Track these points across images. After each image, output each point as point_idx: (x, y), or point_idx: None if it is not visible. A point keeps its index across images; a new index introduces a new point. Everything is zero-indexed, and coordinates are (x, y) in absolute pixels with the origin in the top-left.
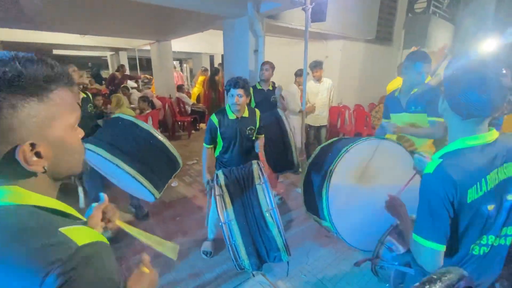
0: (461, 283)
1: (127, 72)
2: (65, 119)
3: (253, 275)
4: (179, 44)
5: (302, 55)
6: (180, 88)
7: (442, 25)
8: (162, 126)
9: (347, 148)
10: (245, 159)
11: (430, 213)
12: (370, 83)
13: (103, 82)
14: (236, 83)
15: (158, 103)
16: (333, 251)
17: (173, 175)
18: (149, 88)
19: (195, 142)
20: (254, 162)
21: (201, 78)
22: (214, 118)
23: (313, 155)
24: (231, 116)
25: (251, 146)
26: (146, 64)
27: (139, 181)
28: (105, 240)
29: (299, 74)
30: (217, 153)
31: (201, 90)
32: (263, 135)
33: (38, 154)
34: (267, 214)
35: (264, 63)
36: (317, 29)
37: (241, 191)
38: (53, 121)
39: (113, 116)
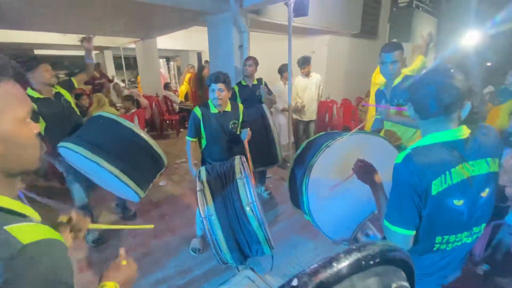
0: (395, 253)
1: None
2: (12, 112)
3: (238, 270)
4: (165, 42)
5: (287, 50)
6: (167, 86)
7: (426, 19)
8: (150, 125)
9: (327, 143)
10: (229, 153)
11: (399, 201)
12: (357, 77)
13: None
14: (217, 77)
15: (144, 102)
16: (321, 244)
17: (158, 174)
18: (136, 87)
19: (184, 141)
20: (237, 157)
21: (188, 76)
22: (197, 111)
23: (299, 150)
24: (214, 110)
25: (235, 140)
26: (132, 63)
27: (122, 180)
28: (57, 237)
29: (285, 70)
30: (202, 148)
31: (189, 88)
32: (248, 129)
33: None
34: (248, 208)
35: (247, 59)
36: (301, 24)
37: (222, 186)
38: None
39: (94, 114)
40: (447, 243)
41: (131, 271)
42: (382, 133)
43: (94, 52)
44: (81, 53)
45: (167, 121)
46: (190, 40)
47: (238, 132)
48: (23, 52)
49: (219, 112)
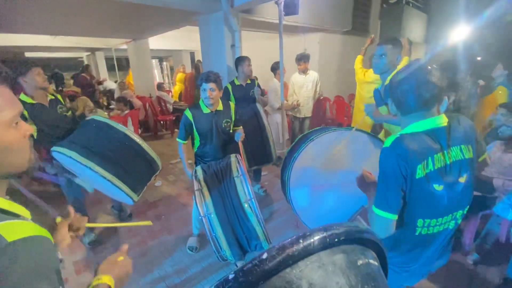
0: (362, 234)
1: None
2: None
3: (237, 266)
4: (158, 42)
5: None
6: (160, 86)
7: (416, 15)
8: (144, 126)
9: (312, 138)
10: (223, 152)
11: (385, 185)
12: (349, 74)
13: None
14: (208, 77)
15: (137, 103)
16: None
17: (152, 177)
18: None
19: None
20: (232, 155)
21: (179, 76)
22: (188, 113)
23: (291, 146)
24: (206, 110)
25: (229, 139)
26: (125, 64)
27: (115, 185)
28: (44, 234)
29: (278, 68)
30: (195, 149)
31: (182, 87)
32: (241, 127)
33: None
34: (246, 205)
35: (246, 59)
36: (293, 22)
37: (220, 184)
38: None
39: (87, 118)
40: (428, 227)
41: (126, 267)
42: (382, 133)
43: (85, 54)
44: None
45: (161, 122)
46: (183, 40)
47: (231, 131)
48: (14, 55)
49: (211, 111)
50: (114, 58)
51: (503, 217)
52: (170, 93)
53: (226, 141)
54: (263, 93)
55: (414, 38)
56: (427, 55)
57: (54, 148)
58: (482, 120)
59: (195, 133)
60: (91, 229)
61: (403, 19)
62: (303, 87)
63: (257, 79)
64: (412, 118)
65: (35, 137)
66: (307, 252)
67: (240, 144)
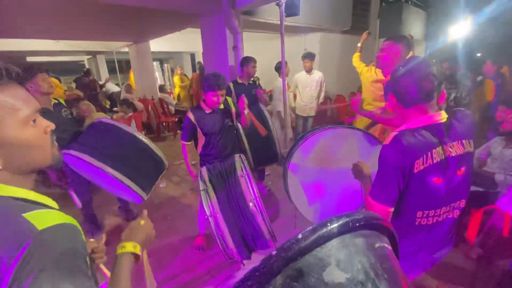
0: (377, 221)
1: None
2: (9, 118)
3: (243, 264)
4: (158, 44)
5: (280, 49)
6: (162, 88)
7: (415, 12)
8: (147, 128)
9: (306, 135)
10: (228, 151)
11: (383, 179)
12: (349, 73)
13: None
14: (221, 85)
15: (140, 105)
16: None
17: (160, 177)
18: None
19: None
20: (236, 155)
21: (177, 78)
22: (190, 116)
23: (295, 142)
24: (208, 110)
25: (231, 138)
26: (126, 67)
27: (126, 184)
28: (73, 222)
29: (279, 67)
30: (199, 149)
31: (180, 90)
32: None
33: None
34: (251, 204)
35: (251, 60)
36: (293, 23)
37: (225, 184)
38: None
39: (94, 120)
40: (427, 217)
41: (149, 231)
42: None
43: (86, 57)
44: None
45: (164, 124)
46: (183, 42)
47: (235, 129)
48: (16, 60)
49: (213, 110)
50: (116, 61)
51: (506, 211)
52: (172, 95)
53: (231, 139)
54: (270, 96)
55: (414, 36)
56: (427, 52)
57: (64, 150)
58: (474, 110)
59: (199, 134)
60: (101, 230)
61: (402, 17)
62: (307, 86)
63: (258, 80)
64: (414, 110)
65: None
66: (333, 234)
67: (246, 141)
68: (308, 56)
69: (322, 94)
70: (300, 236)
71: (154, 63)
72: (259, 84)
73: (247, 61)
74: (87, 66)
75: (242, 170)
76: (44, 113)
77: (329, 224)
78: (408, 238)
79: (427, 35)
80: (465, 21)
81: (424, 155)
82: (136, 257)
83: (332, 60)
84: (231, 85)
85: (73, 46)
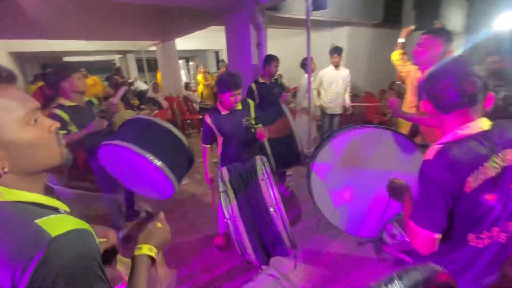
0: (437, 279)
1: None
2: (7, 118)
3: (261, 270)
4: (184, 43)
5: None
6: (187, 86)
7: (456, 2)
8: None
9: (334, 134)
10: (248, 153)
11: (428, 202)
12: (380, 69)
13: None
14: (237, 84)
15: (165, 103)
16: (345, 243)
17: (189, 170)
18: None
19: None
20: (258, 157)
21: (200, 76)
22: (207, 119)
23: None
24: (224, 111)
25: (251, 138)
26: (154, 65)
27: (167, 175)
28: (86, 227)
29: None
30: (219, 150)
31: (203, 88)
32: (261, 125)
33: None
34: (272, 209)
35: (273, 59)
36: (320, 17)
37: (245, 187)
38: None
39: (131, 117)
40: (479, 239)
41: (165, 234)
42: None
43: (118, 56)
44: (104, 57)
45: (188, 121)
46: (208, 40)
47: (253, 129)
48: (54, 59)
49: (230, 112)
50: (144, 60)
51: None
52: (196, 92)
53: (248, 141)
54: (294, 93)
55: (454, 28)
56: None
57: (106, 142)
58: None
59: (218, 135)
60: (124, 226)
61: (441, 8)
62: (333, 82)
63: (281, 77)
64: (456, 116)
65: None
66: None
67: (267, 144)
68: (336, 51)
69: (347, 93)
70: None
71: (180, 61)
72: (281, 82)
73: (269, 60)
74: (118, 65)
75: (263, 173)
76: (77, 110)
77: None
78: (455, 258)
79: (468, 27)
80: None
81: (476, 171)
82: (152, 260)
83: (361, 56)
84: (253, 85)
85: (105, 45)
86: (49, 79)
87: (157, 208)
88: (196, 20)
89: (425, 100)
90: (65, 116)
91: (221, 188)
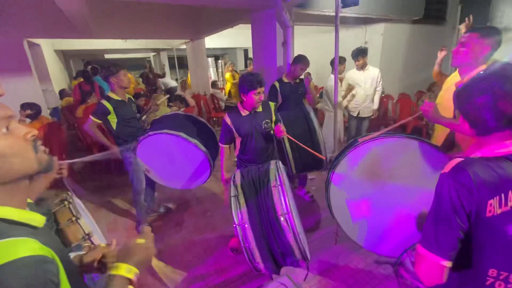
0: None
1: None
2: None
3: (272, 278)
4: (213, 41)
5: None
6: (214, 84)
7: None
8: None
9: (356, 143)
10: (265, 154)
11: (436, 221)
12: (418, 68)
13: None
14: (260, 81)
15: (192, 101)
16: (365, 256)
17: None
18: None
19: None
20: (273, 162)
21: (228, 75)
22: (227, 119)
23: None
24: (244, 112)
25: (270, 141)
26: (185, 62)
27: (210, 163)
28: (44, 252)
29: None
30: (237, 151)
31: (231, 86)
32: (280, 123)
33: None
34: (282, 219)
35: (300, 62)
36: (352, 13)
37: (256, 192)
38: None
39: (170, 112)
40: (506, 282)
41: (147, 251)
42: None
43: (152, 54)
44: (140, 55)
45: (214, 118)
46: (237, 38)
47: (272, 131)
48: (96, 57)
49: (250, 113)
50: (175, 58)
51: None
52: (223, 90)
53: (266, 144)
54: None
55: (507, 25)
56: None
57: (155, 132)
58: None
59: (236, 136)
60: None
61: (491, 3)
62: (360, 84)
63: (310, 76)
64: (493, 137)
65: (114, 128)
66: None
67: (288, 146)
68: (360, 53)
69: (377, 95)
70: None
71: (209, 59)
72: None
73: (296, 62)
74: (152, 63)
75: (276, 179)
76: (121, 104)
77: None
78: None
79: None
80: None
81: (502, 195)
82: (130, 282)
83: (397, 54)
84: (276, 84)
85: (140, 44)
86: (88, 76)
87: (177, 204)
88: (224, 18)
89: (462, 118)
90: (109, 107)
91: (232, 193)
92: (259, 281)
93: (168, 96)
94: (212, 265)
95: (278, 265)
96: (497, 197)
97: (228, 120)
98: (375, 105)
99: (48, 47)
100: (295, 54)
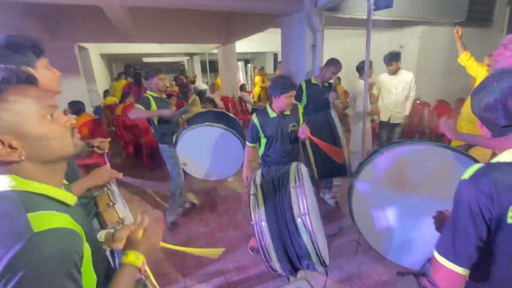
0: None
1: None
2: (27, 114)
3: (288, 280)
4: (244, 45)
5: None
6: (242, 87)
7: None
8: None
9: (381, 150)
10: (288, 156)
11: (454, 228)
12: (458, 74)
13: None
14: (293, 84)
15: (220, 103)
16: (388, 269)
17: None
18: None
19: None
20: (294, 163)
21: (258, 78)
22: (255, 119)
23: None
24: (272, 114)
25: (293, 144)
26: (216, 66)
27: (238, 138)
28: (73, 227)
29: (363, 67)
30: (261, 151)
31: (260, 89)
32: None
33: (11, 146)
34: (299, 220)
35: (332, 65)
36: (386, 16)
37: (275, 192)
38: (16, 118)
39: (206, 110)
40: None
41: (154, 238)
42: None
43: (186, 58)
44: (175, 59)
45: (241, 120)
46: (267, 42)
47: (298, 135)
48: (135, 60)
49: (278, 115)
50: (207, 62)
51: None
52: (251, 94)
53: (291, 146)
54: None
55: None
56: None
57: (198, 125)
58: None
59: (262, 137)
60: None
61: None
62: (391, 89)
63: (339, 80)
64: (510, 139)
65: (155, 123)
66: None
67: (310, 151)
68: (393, 58)
69: (410, 100)
70: None
71: (239, 63)
72: (334, 87)
73: (328, 64)
74: (186, 66)
75: (295, 181)
76: (159, 100)
77: None
78: None
79: None
80: None
81: None
82: (138, 268)
83: (436, 58)
84: (303, 84)
85: (176, 48)
86: (139, 78)
87: (202, 201)
88: (255, 23)
89: (480, 122)
90: (151, 99)
91: (252, 191)
92: (277, 282)
93: (197, 96)
94: (232, 262)
95: (294, 267)
96: None
97: (256, 120)
98: (407, 111)
99: (95, 50)
100: (325, 58)
